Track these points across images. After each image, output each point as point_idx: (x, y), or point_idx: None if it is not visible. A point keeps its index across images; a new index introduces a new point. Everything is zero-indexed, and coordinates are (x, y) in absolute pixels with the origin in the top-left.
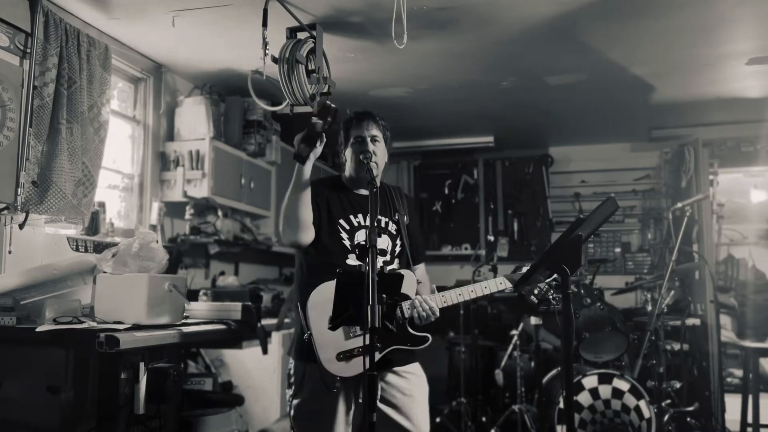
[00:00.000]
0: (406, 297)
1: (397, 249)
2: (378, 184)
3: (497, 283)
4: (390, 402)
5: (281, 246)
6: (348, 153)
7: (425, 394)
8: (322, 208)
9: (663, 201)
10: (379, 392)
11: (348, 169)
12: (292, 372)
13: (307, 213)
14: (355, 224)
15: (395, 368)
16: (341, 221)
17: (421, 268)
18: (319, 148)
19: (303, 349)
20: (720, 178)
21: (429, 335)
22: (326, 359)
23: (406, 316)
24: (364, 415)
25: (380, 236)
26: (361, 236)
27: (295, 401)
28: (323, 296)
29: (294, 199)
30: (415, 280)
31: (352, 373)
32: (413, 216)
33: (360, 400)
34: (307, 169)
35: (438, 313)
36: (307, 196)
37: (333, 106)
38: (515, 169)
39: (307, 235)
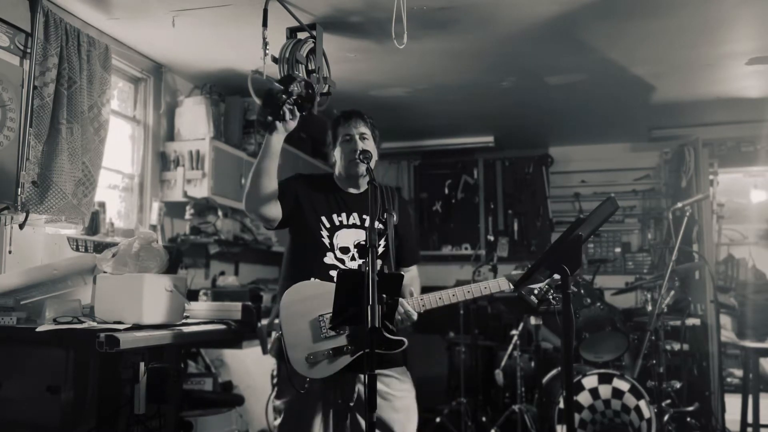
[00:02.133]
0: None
1: (380, 249)
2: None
3: (482, 288)
4: (363, 406)
5: (281, 246)
6: (337, 152)
7: (408, 397)
8: (303, 203)
9: (663, 201)
10: (355, 396)
11: (338, 168)
12: (274, 372)
13: (269, 184)
14: (337, 223)
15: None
16: (323, 218)
17: (412, 270)
18: (290, 122)
19: (280, 349)
20: (720, 178)
21: (404, 339)
22: (295, 360)
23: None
24: (365, 415)
25: (363, 234)
26: (342, 236)
27: (276, 401)
28: (296, 296)
29: (258, 167)
30: None
31: (320, 375)
32: (407, 217)
33: (339, 402)
34: (275, 139)
35: (415, 317)
36: (271, 167)
37: (299, 76)
38: (515, 169)
39: (269, 209)
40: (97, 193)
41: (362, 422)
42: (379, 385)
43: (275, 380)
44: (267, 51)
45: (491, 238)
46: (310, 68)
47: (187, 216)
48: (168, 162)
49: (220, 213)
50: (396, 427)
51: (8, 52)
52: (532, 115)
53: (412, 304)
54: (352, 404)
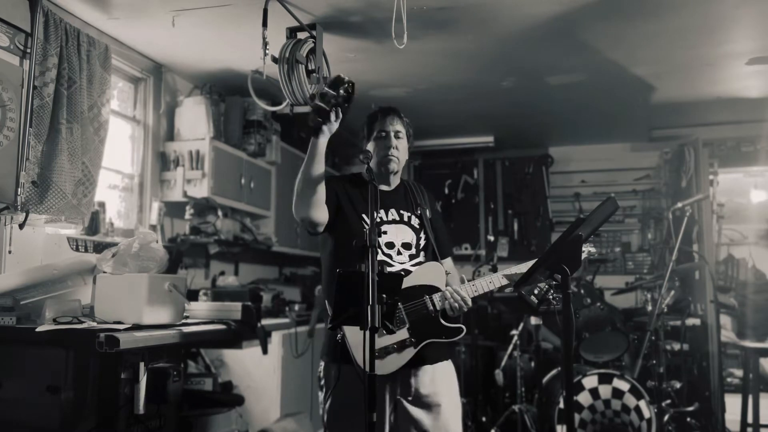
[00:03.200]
0: (437, 289)
1: (422, 242)
2: (398, 181)
3: (528, 266)
4: (419, 401)
5: (281, 246)
6: (370, 147)
7: (456, 393)
8: (343, 203)
9: (663, 201)
10: (412, 390)
11: (372, 165)
12: (322, 374)
13: (319, 188)
14: (378, 220)
15: (426, 366)
16: (364, 216)
17: (447, 261)
18: (334, 124)
19: (336, 350)
20: (720, 178)
21: (463, 326)
22: (361, 359)
23: (438, 308)
24: (364, 415)
25: (401, 228)
26: (386, 232)
27: (328, 403)
28: None
29: (306, 172)
30: (443, 272)
31: (387, 371)
32: (436, 212)
33: (398, 397)
34: (321, 142)
35: (470, 303)
36: (319, 170)
37: (346, 78)
38: (515, 169)
39: (319, 213)
40: (97, 193)
41: (417, 415)
42: (427, 380)
43: (322, 382)
44: (267, 51)
45: (491, 238)
46: (310, 68)
47: (187, 216)
48: (168, 162)
49: (220, 213)
50: (443, 421)
51: (8, 52)
52: (532, 115)
53: (466, 290)
54: (410, 398)
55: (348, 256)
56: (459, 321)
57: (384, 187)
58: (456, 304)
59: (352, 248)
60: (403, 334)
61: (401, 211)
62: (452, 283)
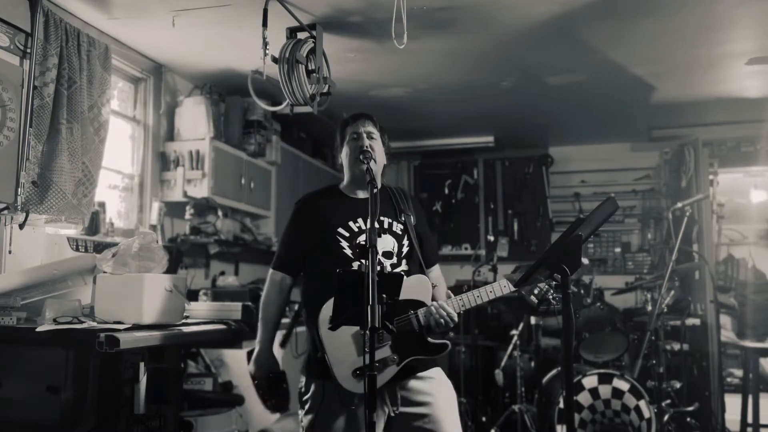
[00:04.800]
0: (422, 304)
1: (404, 250)
2: (378, 185)
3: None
4: (414, 403)
5: None
6: (344, 152)
7: (450, 397)
8: (315, 226)
9: (663, 201)
10: (399, 402)
11: (345, 171)
12: (303, 389)
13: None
14: (356, 230)
15: (412, 378)
16: (340, 230)
17: (435, 269)
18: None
19: (317, 366)
20: (720, 178)
21: (448, 342)
22: (342, 377)
23: (423, 323)
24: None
25: (381, 236)
26: (363, 240)
27: (307, 419)
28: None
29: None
30: (429, 285)
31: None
32: (421, 217)
33: (392, 414)
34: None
35: (456, 319)
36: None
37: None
38: (515, 169)
39: (290, 293)
40: (97, 193)
41: (411, 415)
42: (421, 386)
43: (304, 398)
44: (267, 51)
45: (491, 238)
46: (310, 68)
47: (187, 216)
48: (168, 162)
49: (220, 213)
50: (445, 422)
51: (8, 52)
52: (532, 115)
53: (452, 305)
54: (396, 410)
55: (328, 269)
56: (444, 337)
57: (361, 195)
58: (441, 320)
59: (330, 261)
60: (386, 351)
61: (381, 218)
62: (438, 293)
